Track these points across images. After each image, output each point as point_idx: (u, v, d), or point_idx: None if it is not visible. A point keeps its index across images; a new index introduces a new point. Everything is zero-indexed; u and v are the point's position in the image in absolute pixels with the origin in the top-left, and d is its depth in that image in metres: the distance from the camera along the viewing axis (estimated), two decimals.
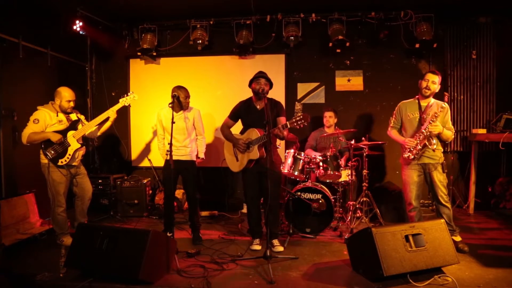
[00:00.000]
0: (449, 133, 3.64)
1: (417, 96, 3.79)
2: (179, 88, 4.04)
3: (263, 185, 3.65)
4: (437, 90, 3.69)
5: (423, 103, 3.73)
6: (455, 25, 5.47)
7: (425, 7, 5.10)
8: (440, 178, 3.67)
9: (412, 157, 3.64)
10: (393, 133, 3.93)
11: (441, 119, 3.63)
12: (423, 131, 3.57)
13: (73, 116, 3.94)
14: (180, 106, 4.03)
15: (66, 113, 3.89)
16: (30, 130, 3.68)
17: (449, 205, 3.67)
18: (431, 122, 3.54)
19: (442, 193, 3.65)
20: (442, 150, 3.73)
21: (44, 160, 3.78)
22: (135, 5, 5.15)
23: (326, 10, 5.28)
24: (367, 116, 5.71)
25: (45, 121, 3.74)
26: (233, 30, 5.47)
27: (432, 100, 3.71)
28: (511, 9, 5.11)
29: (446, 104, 3.67)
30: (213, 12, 5.44)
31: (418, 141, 3.60)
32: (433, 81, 3.64)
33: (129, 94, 4.03)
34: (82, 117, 4.04)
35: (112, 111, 3.92)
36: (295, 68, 5.79)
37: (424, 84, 3.67)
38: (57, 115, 3.82)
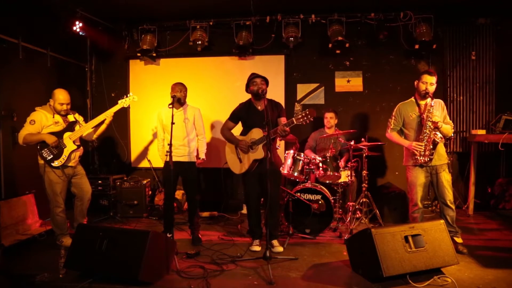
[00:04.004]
0: (447, 127, 3.63)
1: (413, 97, 3.77)
2: (177, 84, 4.06)
3: (264, 185, 3.65)
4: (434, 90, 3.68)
5: (421, 102, 3.70)
6: (455, 26, 5.48)
7: (424, 8, 5.10)
8: (447, 178, 3.64)
9: (428, 159, 3.56)
10: (394, 135, 3.85)
11: (440, 115, 3.63)
12: (425, 130, 3.54)
13: (70, 118, 3.95)
14: (179, 102, 4.04)
15: (61, 114, 3.89)
16: (26, 131, 3.69)
17: (453, 207, 3.64)
18: (429, 118, 3.53)
19: (449, 193, 3.62)
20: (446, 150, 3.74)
21: (41, 161, 3.78)
22: (135, 6, 5.15)
23: (325, 11, 5.28)
24: (366, 117, 5.70)
25: (42, 122, 3.75)
26: (232, 31, 5.47)
27: (429, 99, 3.64)
28: (511, 10, 5.12)
29: (441, 100, 3.73)
30: (213, 13, 5.44)
31: (426, 143, 3.55)
32: (431, 83, 3.61)
33: (128, 95, 4.04)
34: (80, 119, 4.06)
35: (109, 112, 3.94)
36: (295, 69, 5.80)
37: (423, 87, 3.63)
38: (54, 116, 3.82)
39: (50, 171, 3.76)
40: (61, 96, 3.83)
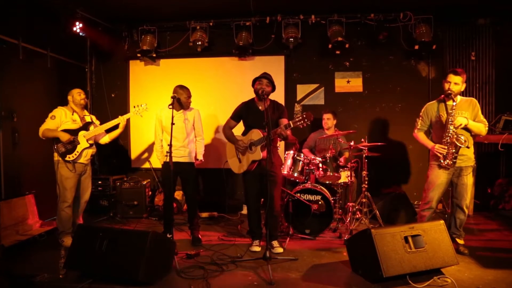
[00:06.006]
0: (479, 125, 3.48)
1: (442, 96, 3.63)
2: (181, 87, 4.08)
3: (264, 186, 3.65)
4: (462, 89, 3.51)
5: (449, 102, 3.53)
6: (454, 27, 5.48)
7: (424, 9, 5.10)
8: (471, 182, 3.60)
9: (452, 162, 3.47)
10: (420, 136, 3.73)
11: (470, 114, 3.50)
12: (447, 134, 3.44)
13: (87, 118, 4.12)
14: (181, 105, 4.05)
15: (82, 107, 4.10)
16: (46, 126, 3.93)
17: (467, 211, 3.61)
18: (450, 122, 3.42)
19: (467, 198, 3.57)
20: (473, 151, 3.63)
21: (56, 157, 3.93)
22: (135, 6, 5.16)
23: (325, 12, 5.29)
24: (366, 117, 5.71)
25: (61, 118, 3.97)
26: (232, 31, 5.48)
27: (458, 98, 3.50)
28: (510, 11, 5.12)
29: (474, 99, 3.59)
30: (213, 14, 5.45)
31: (448, 145, 3.45)
32: (456, 83, 3.46)
33: (142, 105, 4.19)
34: (97, 122, 4.23)
35: (123, 118, 4.12)
36: (295, 69, 5.80)
37: (446, 86, 3.49)
38: (73, 114, 4.03)
39: (62, 167, 3.90)
40: (76, 89, 4.11)
